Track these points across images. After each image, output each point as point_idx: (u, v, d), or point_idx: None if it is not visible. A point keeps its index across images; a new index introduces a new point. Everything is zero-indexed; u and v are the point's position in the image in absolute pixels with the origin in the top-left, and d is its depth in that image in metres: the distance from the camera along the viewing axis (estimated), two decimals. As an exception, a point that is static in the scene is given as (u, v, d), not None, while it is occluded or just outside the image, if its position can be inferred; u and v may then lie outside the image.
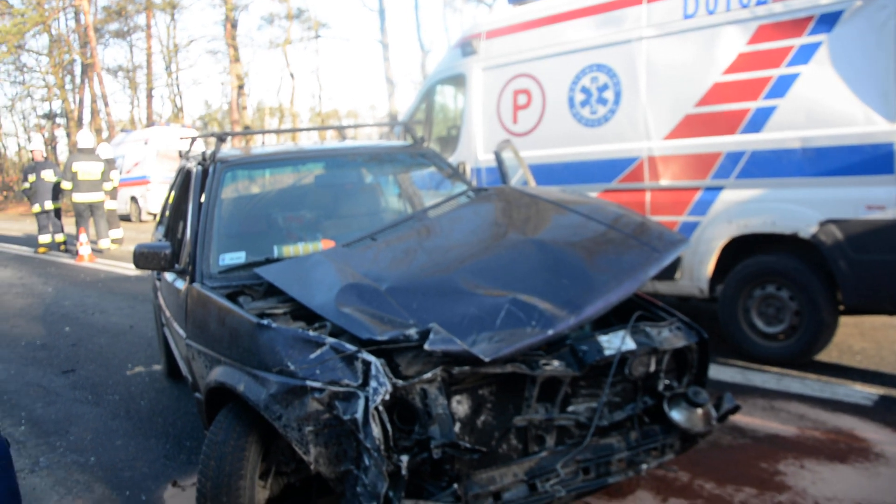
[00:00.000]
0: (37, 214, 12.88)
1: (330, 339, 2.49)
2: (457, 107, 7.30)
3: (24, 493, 3.55)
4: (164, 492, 3.53)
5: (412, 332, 2.49)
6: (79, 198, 11.91)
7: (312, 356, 2.48)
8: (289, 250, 3.37)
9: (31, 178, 12.68)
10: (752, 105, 4.35)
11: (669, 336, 2.73)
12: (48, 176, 12.60)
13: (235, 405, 2.72)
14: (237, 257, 3.31)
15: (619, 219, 3.19)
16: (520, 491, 2.50)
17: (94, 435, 4.32)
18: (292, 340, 2.55)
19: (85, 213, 12.09)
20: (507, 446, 2.61)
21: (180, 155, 5.01)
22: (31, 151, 13.35)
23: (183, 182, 4.37)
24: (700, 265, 4.70)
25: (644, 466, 2.62)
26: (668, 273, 4.86)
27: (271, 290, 3.09)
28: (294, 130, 4.51)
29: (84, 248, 11.76)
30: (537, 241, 3.01)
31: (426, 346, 2.40)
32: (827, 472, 3.14)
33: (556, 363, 2.57)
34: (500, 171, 4.17)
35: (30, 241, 15.11)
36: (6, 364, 6.01)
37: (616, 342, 2.61)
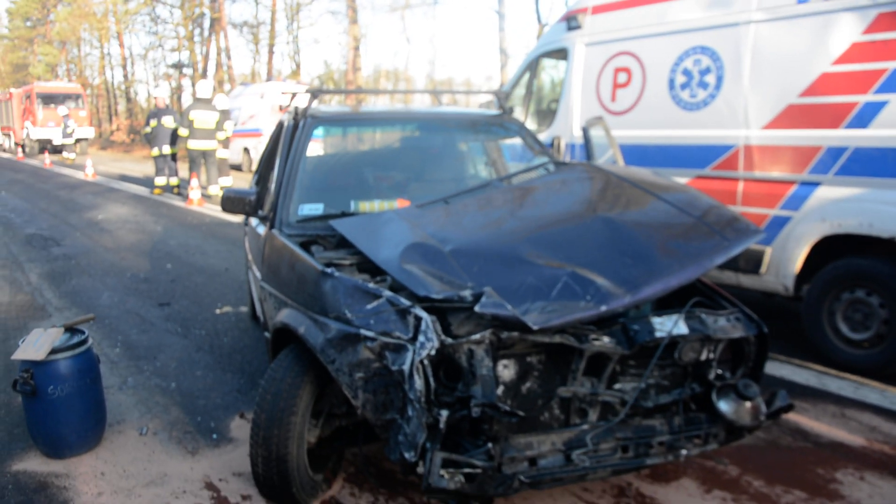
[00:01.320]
0: (155, 158, 13.72)
1: (387, 293, 2.59)
2: (557, 81, 7.23)
3: (110, 407, 3.90)
4: (232, 422, 3.78)
5: (467, 293, 2.56)
6: (193, 144, 12.58)
7: (369, 307, 2.60)
8: (365, 206, 3.49)
9: (153, 123, 13.48)
10: (860, 99, 4.10)
11: (726, 325, 2.68)
12: (168, 122, 13.36)
13: (296, 346, 2.88)
14: (315, 208, 3.47)
15: (693, 203, 3.12)
16: (556, 460, 2.54)
17: (178, 364, 4.65)
18: (352, 290, 2.67)
19: (198, 160, 12.77)
20: (548, 415, 2.65)
21: (280, 109, 5.23)
22: (155, 98, 14.18)
23: (277, 135, 4.58)
24: (787, 262, 4.52)
25: (684, 452, 2.60)
26: (754, 267, 4.70)
27: (343, 243, 3.23)
28: (383, 92, 4.64)
29: (194, 193, 12.46)
30: (607, 218, 3.00)
31: (476, 309, 2.46)
32: (888, 488, 3.00)
33: (605, 339, 2.57)
34: (587, 147, 4.13)
35: (148, 182, 16.11)
36: (112, 292, 6.52)
37: (668, 325, 2.59)
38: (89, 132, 29.01)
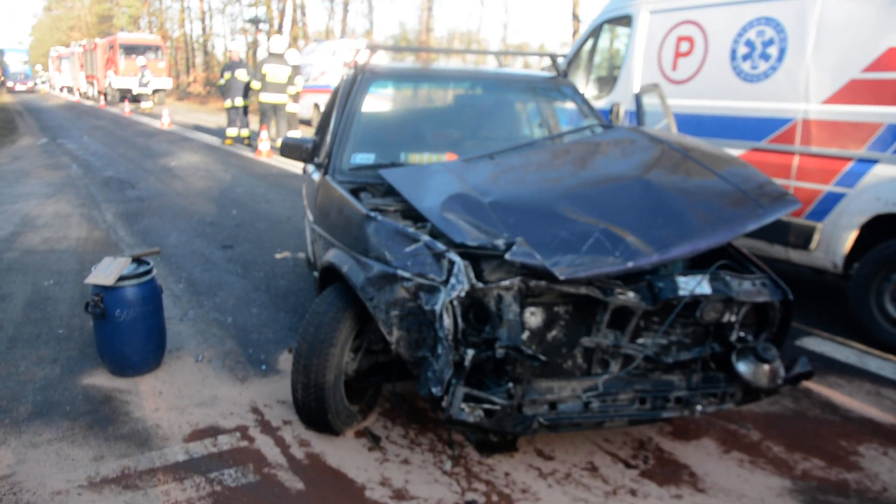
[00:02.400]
0: (227, 109, 14.16)
1: (425, 237, 2.75)
2: (620, 48, 7.17)
3: (170, 335, 4.22)
4: (281, 356, 4.03)
5: (500, 242, 2.69)
6: (265, 98, 12.94)
7: (408, 249, 2.76)
8: (414, 158, 3.65)
9: (227, 75, 13.89)
10: (927, 75, 4.00)
11: (750, 289, 2.73)
12: (241, 75, 13.74)
13: (340, 285, 3.07)
14: (367, 158, 3.64)
15: (733, 171, 3.15)
16: (575, 406, 2.67)
17: (235, 301, 4.94)
18: (393, 233, 2.83)
19: (269, 113, 13.14)
20: (571, 363, 2.77)
21: (345, 65, 5.40)
22: (230, 52, 14.58)
23: (338, 88, 4.75)
24: (838, 239, 4.47)
25: (699, 408, 2.69)
26: (804, 242, 4.66)
27: (390, 191, 3.39)
28: (440, 51, 4.73)
29: (263, 144, 12.86)
30: (645, 180, 3.07)
31: (507, 256, 2.59)
32: (912, 464, 3.03)
33: (630, 294, 2.67)
34: (637, 112, 4.16)
35: (220, 133, 16.66)
36: (180, 233, 6.89)
37: (692, 284, 2.66)
38: (167, 83, 29.96)
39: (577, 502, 2.71)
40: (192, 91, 39.54)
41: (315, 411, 2.99)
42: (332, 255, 3.15)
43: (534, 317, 2.72)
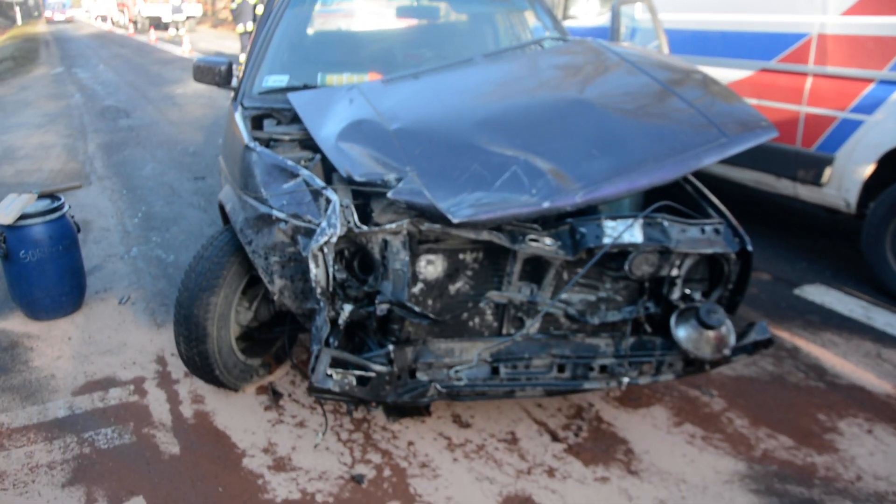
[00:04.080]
0: (241, 35, 13.62)
1: (304, 172, 2.31)
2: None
3: (106, 274, 3.94)
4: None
5: (391, 177, 2.24)
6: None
7: (286, 186, 2.34)
8: (332, 79, 3.16)
9: (238, -1, 13.35)
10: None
11: (697, 238, 2.22)
12: (251, -2, 13.17)
13: (230, 227, 2.66)
14: (280, 80, 3.18)
15: (698, 90, 2.58)
16: (480, 371, 2.25)
17: (186, 237, 4.60)
18: (271, 167, 2.41)
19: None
20: (479, 322, 2.33)
21: None
22: (241, -27, 13.94)
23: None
24: (852, 174, 3.84)
25: (625, 380, 2.22)
26: (814, 177, 4.05)
27: (298, 118, 2.93)
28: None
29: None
30: (587, 102, 2.53)
31: (390, 195, 2.15)
32: (898, 446, 2.53)
33: (547, 241, 2.20)
34: (612, 26, 3.57)
35: (235, 60, 16.17)
36: (157, 164, 6.55)
37: (620, 230, 2.16)
38: (197, 9, 29.39)
39: (481, 482, 2.31)
40: (224, 17, 38.87)
41: (199, 366, 2.64)
42: (222, 193, 2.75)
43: (431, 266, 2.27)
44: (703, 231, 2.23)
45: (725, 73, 4.47)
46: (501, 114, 2.54)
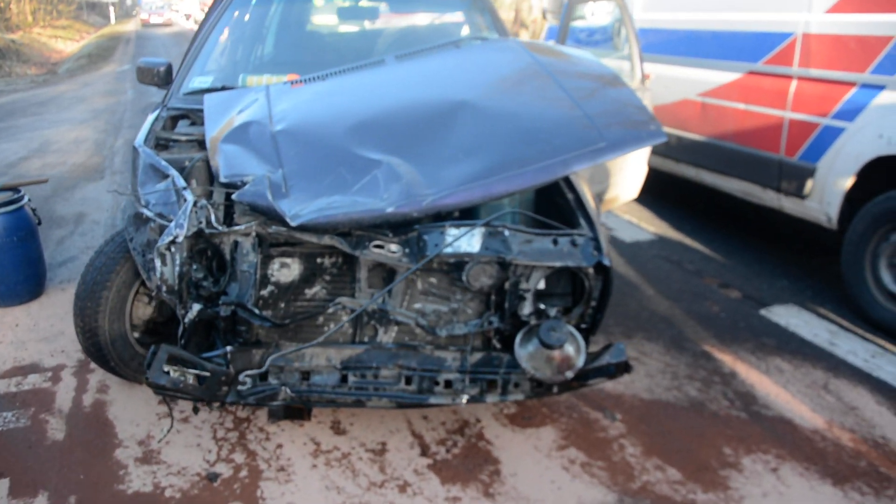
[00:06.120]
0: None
1: (173, 172, 2.36)
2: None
3: (77, 265, 4.12)
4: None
5: (248, 178, 2.23)
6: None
7: (159, 185, 2.38)
8: (253, 80, 3.21)
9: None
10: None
11: (546, 250, 2.08)
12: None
13: (131, 222, 2.71)
14: (204, 81, 3.25)
15: (595, 93, 2.44)
16: (330, 378, 2.20)
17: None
18: (148, 167, 2.47)
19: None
20: (333, 328, 2.27)
21: None
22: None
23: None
24: (833, 186, 3.55)
25: (464, 398, 2.11)
26: (797, 189, 3.77)
27: None
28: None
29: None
30: (470, 104, 2.44)
31: (234, 196, 2.15)
32: (804, 490, 2.30)
33: (393, 248, 2.12)
34: (562, 23, 3.42)
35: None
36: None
37: (457, 238, 2.07)
38: None
39: (329, 491, 2.26)
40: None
41: (96, 357, 2.70)
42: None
43: (286, 269, 2.24)
44: (555, 242, 2.10)
45: (714, 76, 4.22)
46: (384, 116, 2.49)
